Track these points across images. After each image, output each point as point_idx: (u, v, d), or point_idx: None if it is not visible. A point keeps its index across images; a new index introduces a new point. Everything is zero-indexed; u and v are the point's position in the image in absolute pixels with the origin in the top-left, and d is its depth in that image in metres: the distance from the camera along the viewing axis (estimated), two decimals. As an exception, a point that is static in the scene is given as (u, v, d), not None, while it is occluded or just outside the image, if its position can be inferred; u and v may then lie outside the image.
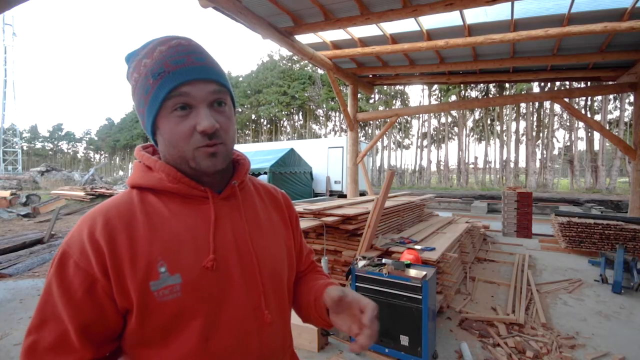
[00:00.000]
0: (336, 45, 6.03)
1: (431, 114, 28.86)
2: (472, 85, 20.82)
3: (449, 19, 4.91)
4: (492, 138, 27.98)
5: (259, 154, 12.70)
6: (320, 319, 0.74)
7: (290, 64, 35.77)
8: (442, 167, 28.96)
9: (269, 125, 39.81)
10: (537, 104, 22.60)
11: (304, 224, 3.42)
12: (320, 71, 31.28)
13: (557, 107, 22.95)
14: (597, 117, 21.17)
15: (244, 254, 0.66)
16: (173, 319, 0.58)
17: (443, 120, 29.79)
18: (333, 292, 0.66)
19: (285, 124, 39.20)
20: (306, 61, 5.99)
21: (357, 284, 2.62)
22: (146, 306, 0.57)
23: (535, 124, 23.59)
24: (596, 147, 20.85)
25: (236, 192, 0.71)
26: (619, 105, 21.32)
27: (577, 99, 22.07)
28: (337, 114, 34.40)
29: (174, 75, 0.59)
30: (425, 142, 30.36)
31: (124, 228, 0.58)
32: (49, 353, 0.54)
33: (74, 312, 0.55)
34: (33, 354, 0.54)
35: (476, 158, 29.34)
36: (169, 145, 0.62)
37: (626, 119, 20.07)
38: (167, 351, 0.59)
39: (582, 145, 23.97)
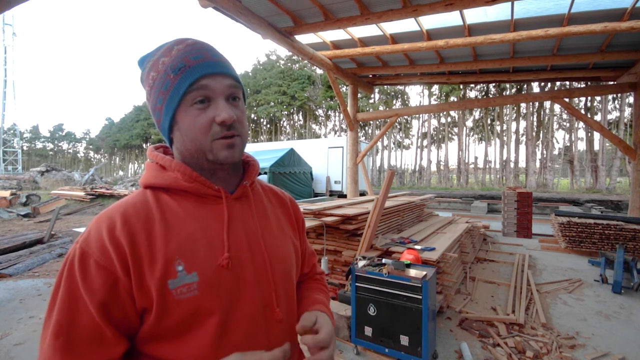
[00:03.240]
0: (336, 45, 6.03)
1: (431, 114, 28.86)
2: (472, 85, 20.83)
3: (449, 19, 4.91)
4: (492, 138, 27.98)
5: (258, 153, 12.69)
6: None
7: (290, 64, 35.76)
8: (442, 167, 28.94)
9: (268, 125, 39.80)
10: (537, 104, 22.58)
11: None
12: (319, 71, 31.29)
13: (557, 107, 22.94)
14: (597, 118, 21.17)
15: (256, 253, 0.68)
16: (190, 317, 0.59)
17: (443, 120, 29.78)
18: (306, 319, 0.68)
19: (285, 124, 39.20)
20: (305, 61, 6.00)
21: (357, 284, 2.63)
22: (164, 304, 0.57)
23: (535, 124, 23.58)
24: (596, 147, 20.84)
25: (248, 192, 0.73)
26: (617, 106, 21.32)
27: (577, 99, 22.08)
28: (337, 114, 34.39)
29: (195, 69, 0.62)
30: (425, 142, 30.35)
31: (142, 227, 0.59)
32: (88, 349, 0.54)
33: (102, 309, 0.55)
34: (70, 352, 0.53)
35: (476, 158, 29.35)
36: (187, 139, 0.64)
37: (625, 120, 20.05)
38: (182, 348, 0.59)
39: (582, 146, 24.00)
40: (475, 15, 4.78)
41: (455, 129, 29.66)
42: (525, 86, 21.37)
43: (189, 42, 0.65)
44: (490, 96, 25.01)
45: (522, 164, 25.50)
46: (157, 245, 0.59)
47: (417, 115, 29.89)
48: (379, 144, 31.38)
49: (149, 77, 0.65)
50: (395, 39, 5.64)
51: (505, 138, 26.01)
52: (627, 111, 20.55)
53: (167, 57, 0.64)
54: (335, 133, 35.32)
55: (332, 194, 13.94)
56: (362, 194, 10.28)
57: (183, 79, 0.61)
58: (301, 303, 0.81)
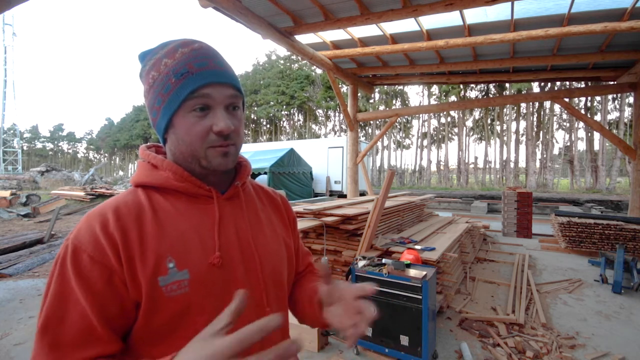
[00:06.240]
0: (336, 45, 6.03)
1: (431, 114, 28.86)
2: (472, 85, 20.82)
3: (449, 19, 4.91)
4: (492, 138, 27.98)
5: (258, 154, 12.69)
6: (314, 317, 0.75)
7: (288, 64, 35.77)
8: (442, 167, 28.95)
9: (268, 125, 39.81)
10: (537, 104, 22.59)
11: (304, 224, 3.42)
12: (319, 70, 31.28)
13: (557, 107, 22.94)
14: (597, 118, 21.17)
15: (247, 252, 0.68)
16: (180, 315, 0.59)
17: (443, 120, 29.79)
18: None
19: (285, 124, 39.20)
20: (303, 61, 6.00)
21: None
22: (154, 301, 0.57)
23: (535, 124, 23.58)
24: (596, 147, 20.85)
25: (239, 192, 0.73)
26: (617, 106, 21.32)
27: (576, 99, 22.08)
28: (337, 113, 34.39)
29: (197, 76, 0.62)
30: (425, 142, 30.36)
31: (134, 224, 0.59)
32: (76, 346, 0.53)
33: (97, 304, 0.55)
34: (57, 349, 0.53)
35: (476, 158, 29.39)
36: (182, 143, 0.64)
37: (625, 120, 20.06)
38: (172, 348, 0.58)
39: (582, 146, 24.01)
40: (475, 15, 4.78)
41: (455, 129, 29.66)
42: (525, 86, 21.35)
43: (195, 46, 0.65)
44: (490, 96, 25.00)
45: (522, 164, 25.53)
46: (148, 242, 0.59)
47: (417, 115, 29.90)
48: (379, 144, 31.39)
49: (149, 76, 0.65)
50: (395, 39, 5.64)
51: (505, 138, 26.03)
52: (627, 111, 20.56)
53: (170, 58, 0.63)
54: (335, 133, 35.32)
55: (332, 194, 13.94)
56: (362, 194, 10.27)
57: (185, 85, 0.61)
58: (305, 289, 0.81)
